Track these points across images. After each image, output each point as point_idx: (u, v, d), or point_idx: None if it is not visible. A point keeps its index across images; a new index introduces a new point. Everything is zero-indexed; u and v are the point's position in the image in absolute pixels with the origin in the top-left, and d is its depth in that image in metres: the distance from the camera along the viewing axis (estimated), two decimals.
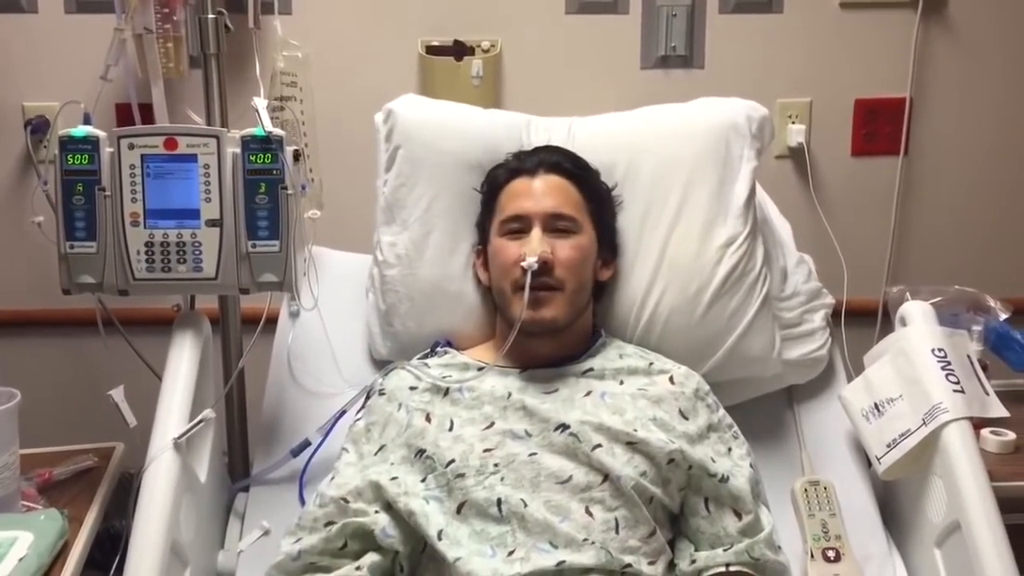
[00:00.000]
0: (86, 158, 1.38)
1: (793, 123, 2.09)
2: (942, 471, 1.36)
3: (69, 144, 1.38)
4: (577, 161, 1.55)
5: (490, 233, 1.52)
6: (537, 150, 1.57)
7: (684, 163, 1.59)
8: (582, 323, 1.51)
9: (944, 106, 2.11)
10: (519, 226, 1.47)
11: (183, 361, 1.43)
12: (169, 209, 1.39)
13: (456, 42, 1.99)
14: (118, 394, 1.41)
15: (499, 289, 1.49)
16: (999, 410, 1.44)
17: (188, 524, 1.34)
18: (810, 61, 2.07)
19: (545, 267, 1.42)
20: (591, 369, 1.46)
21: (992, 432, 1.61)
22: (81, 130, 1.38)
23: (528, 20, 2.02)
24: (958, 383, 1.41)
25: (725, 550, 1.33)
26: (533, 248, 1.43)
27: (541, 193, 1.48)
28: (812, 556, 1.41)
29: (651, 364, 1.48)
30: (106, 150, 1.39)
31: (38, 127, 1.94)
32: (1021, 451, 1.60)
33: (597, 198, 1.54)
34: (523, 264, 1.41)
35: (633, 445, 1.34)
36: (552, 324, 1.44)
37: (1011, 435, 1.61)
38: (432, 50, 1.99)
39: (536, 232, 1.45)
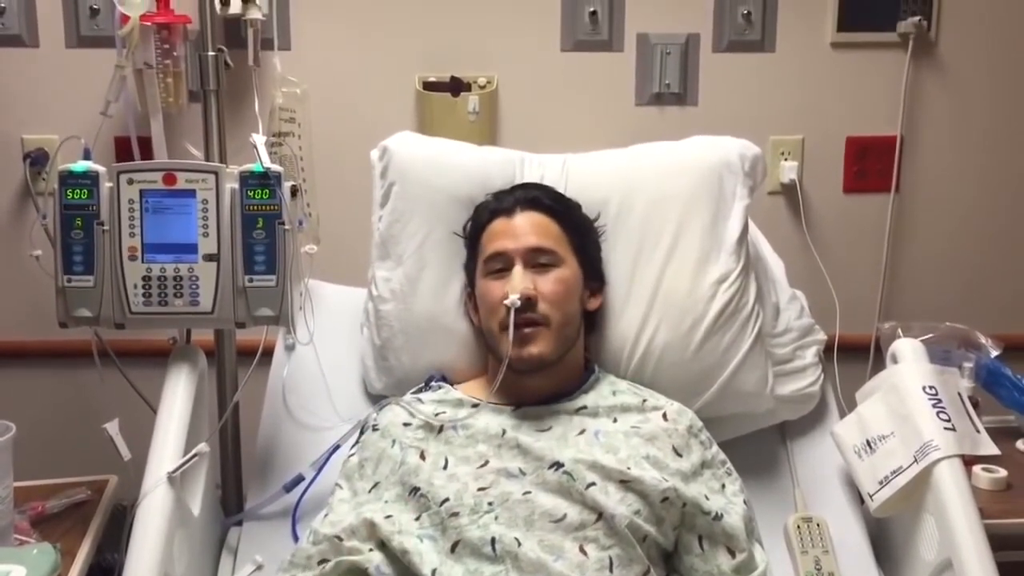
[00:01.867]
0: (85, 193, 1.39)
1: (785, 160, 2.11)
2: (934, 508, 1.36)
3: (69, 179, 1.39)
4: (554, 195, 1.56)
5: (475, 275, 1.53)
6: (514, 188, 1.57)
7: (677, 200, 1.60)
8: (573, 357, 1.51)
9: (934, 144, 2.14)
10: (501, 265, 1.48)
11: (178, 395, 1.43)
12: (167, 244, 1.40)
13: (453, 78, 2.02)
14: (113, 427, 1.41)
15: (488, 329, 1.49)
16: (990, 448, 1.45)
17: (180, 558, 1.33)
18: (802, 99, 2.10)
19: (529, 303, 1.42)
20: (584, 407, 1.46)
21: (984, 469, 1.62)
22: (81, 165, 1.40)
23: (524, 57, 2.05)
24: (949, 421, 1.42)
25: None
26: (515, 286, 1.43)
27: (520, 230, 1.49)
28: None
29: (644, 401, 1.48)
30: (105, 185, 1.40)
31: (37, 160, 1.96)
32: (1013, 488, 1.61)
33: (577, 230, 1.55)
34: (506, 302, 1.42)
35: (627, 484, 1.34)
36: (540, 360, 1.44)
37: (1003, 472, 1.62)
38: (429, 86, 2.02)
39: (518, 269, 1.46)
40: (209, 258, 1.40)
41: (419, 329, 1.59)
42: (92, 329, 1.47)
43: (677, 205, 1.60)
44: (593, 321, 1.57)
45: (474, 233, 1.56)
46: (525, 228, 1.49)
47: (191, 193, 1.40)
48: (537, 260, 1.47)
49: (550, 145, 1.74)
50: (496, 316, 1.46)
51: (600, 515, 1.31)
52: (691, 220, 1.59)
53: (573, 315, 1.49)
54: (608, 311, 1.58)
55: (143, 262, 1.40)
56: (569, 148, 1.73)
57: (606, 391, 1.50)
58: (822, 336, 1.70)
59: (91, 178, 1.39)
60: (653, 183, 1.62)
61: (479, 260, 1.52)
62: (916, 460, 1.39)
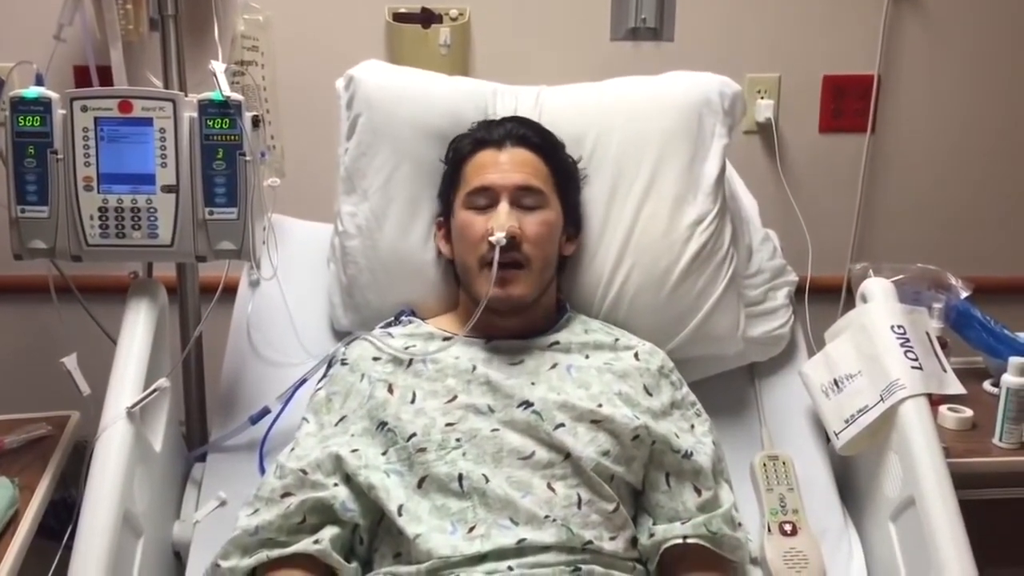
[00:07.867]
0: (38, 120, 1.34)
1: (762, 98, 2.09)
2: (898, 447, 1.37)
3: (20, 105, 1.34)
4: (545, 134, 1.52)
5: (454, 205, 1.49)
6: (504, 120, 1.52)
7: (655, 138, 1.57)
8: (547, 298, 1.50)
9: (912, 84, 2.11)
10: (485, 200, 1.44)
11: (138, 329, 1.40)
12: (123, 174, 1.36)
13: (424, 9, 1.97)
14: (71, 362, 1.38)
15: (464, 264, 1.46)
16: (956, 387, 1.45)
17: (142, 494, 1.32)
18: (779, 36, 2.07)
19: (513, 242, 1.39)
20: (557, 343, 1.45)
21: (950, 409, 1.63)
22: (33, 91, 1.35)
23: None
24: (916, 360, 1.42)
25: (683, 523, 1.33)
26: (501, 223, 1.40)
27: (508, 166, 1.45)
28: (769, 530, 1.42)
29: (616, 340, 1.47)
30: (58, 112, 1.35)
31: None
32: (978, 428, 1.62)
33: (564, 173, 1.51)
34: (491, 239, 1.38)
35: (597, 423, 1.34)
36: (520, 302, 1.42)
37: (969, 412, 1.63)
38: (399, 17, 1.97)
39: (504, 206, 1.42)
40: (168, 189, 1.36)
41: (386, 266, 1.56)
42: (50, 262, 1.43)
43: (655, 144, 1.56)
44: (565, 264, 1.54)
45: (456, 161, 1.51)
46: (514, 164, 1.45)
47: (148, 122, 1.35)
48: (523, 199, 1.43)
49: (523, 80, 1.70)
50: (476, 251, 1.42)
51: (568, 455, 1.31)
52: (668, 160, 1.55)
53: (552, 258, 1.47)
54: (581, 250, 1.56)
55: (99, 192, 1.36)
56: (542, 83, 1.69)
57: (578, 329, 1.49)
58: (793, 277, 1.69)
59: (43, 104, 1.34)
60: (630, 120, 1.58)
61: (460, 191, 1.47)
62: (882, 399, 1.40)
